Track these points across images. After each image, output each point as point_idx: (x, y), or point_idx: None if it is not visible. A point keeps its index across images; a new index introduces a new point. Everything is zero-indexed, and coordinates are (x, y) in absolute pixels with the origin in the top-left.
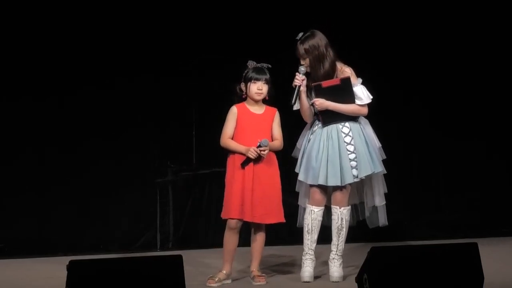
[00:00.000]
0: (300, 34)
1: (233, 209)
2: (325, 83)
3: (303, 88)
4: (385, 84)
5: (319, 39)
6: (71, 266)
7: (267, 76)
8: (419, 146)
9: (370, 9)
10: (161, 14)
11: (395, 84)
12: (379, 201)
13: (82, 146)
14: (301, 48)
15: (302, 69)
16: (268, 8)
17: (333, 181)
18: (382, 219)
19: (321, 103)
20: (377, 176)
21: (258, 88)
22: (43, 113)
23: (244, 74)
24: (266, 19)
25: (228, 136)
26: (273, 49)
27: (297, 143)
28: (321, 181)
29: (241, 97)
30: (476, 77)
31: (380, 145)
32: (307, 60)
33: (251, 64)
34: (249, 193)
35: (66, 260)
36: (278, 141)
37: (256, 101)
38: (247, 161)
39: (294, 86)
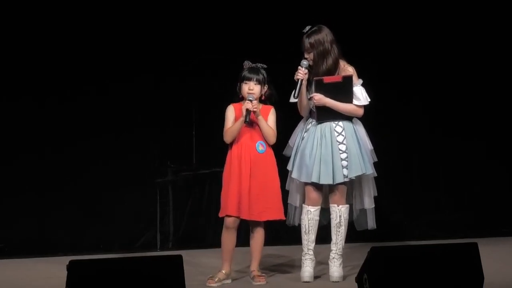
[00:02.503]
0: (307, 28)
1: (230, 206)
2: (327, 79)
3: (305, 83)
4: (384, 84)
5: (325, 35)
6: (71, 266)
7: (259, 76)
8: (419, 146)
9: (369, 8)
10: (161, 14)
11: (395, 84)
12: (368, 203)
13: (82, 146)
14: (307, 42)
15: (304, 62)
16: (268, 8)
17: (326, 180)
18: (371, 222)
19: (320, 98)
20: (367, 178)
21: (250, 88)
22: (43, 113)
23: (240, 74)
24: (267, 18)
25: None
26: (273, 49)
27: (289, 141)
28: (314, 179)
29: (239, 97)
30: (476, 77)
31: (372, 147)
32: (311, 55)
33: (247, 64)
34: (246, 191)
35: (66, 260)
36: (272, 130)
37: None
38: (246, 115)
39: (296, 80)
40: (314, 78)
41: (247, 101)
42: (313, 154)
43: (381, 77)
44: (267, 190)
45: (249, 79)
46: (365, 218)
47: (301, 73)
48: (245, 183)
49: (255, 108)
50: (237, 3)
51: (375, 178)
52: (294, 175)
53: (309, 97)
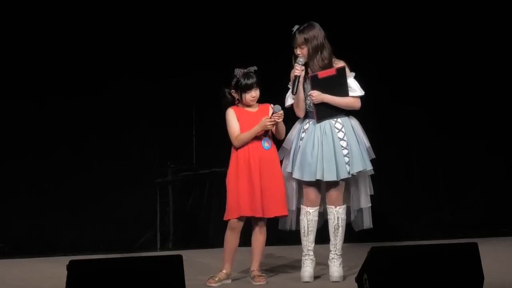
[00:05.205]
0: (297, 26)
1: (243, 207)
2: (322, 74)
3: (301, 80)
4: (384, 84)
5: (318, 30)
6: (71, 266)
7: (255, 80)
8: (419, 146)
9: (366, 9)
10: (161, 14)
11: (394, 84)
12: (365, 202)
13: (82, 146)
14: (301, 37)
15: (301, 59)
16: (268, 9)
17: (329, 177)
18: (367, 222)
19: (318, 95)
20: (364, 176)
21: (252, 96)
22: (43, 113)
23: (234, 83)
24: (267, 19)
25: (237, 133)
26: (271, 49)
27: (284, 144)
28: (318, 177)
29: (234, 103)
30: (475, 76)
31: (370, 145)
32: (305, 50)
33: (239, 72)
34: (258, 190)
35: (66, 260)
36: (284, 126)
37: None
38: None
39: (293, 77)
40: (309, 75)
41: (268, 122)
42: (315, 152)
43: (381, 77)
44: (275, 186)
45: (250, 88)
46: (362, 218)
47: (298, 69)
48: (257, 182)
49: (278, 120)
50: (238, 4)
51: (373, 176)
52: (296, 175)
53: (307, 95)
